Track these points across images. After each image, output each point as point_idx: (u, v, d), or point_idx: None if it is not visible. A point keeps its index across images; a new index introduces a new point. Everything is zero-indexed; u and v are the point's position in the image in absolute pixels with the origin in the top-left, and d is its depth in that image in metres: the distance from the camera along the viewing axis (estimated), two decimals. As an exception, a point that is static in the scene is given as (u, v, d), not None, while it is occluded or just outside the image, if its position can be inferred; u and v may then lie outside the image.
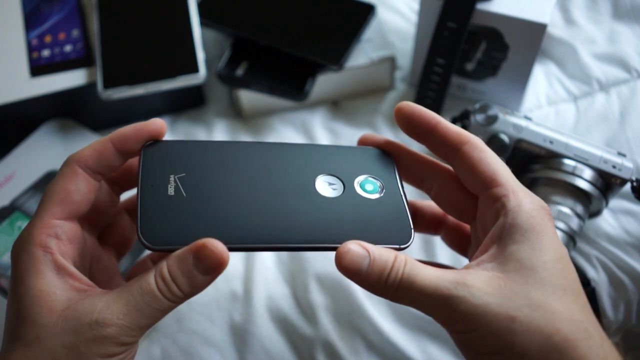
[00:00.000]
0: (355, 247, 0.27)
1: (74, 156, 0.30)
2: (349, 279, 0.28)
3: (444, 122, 0.31)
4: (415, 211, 0.37)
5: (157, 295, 0.27)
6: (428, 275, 0.27)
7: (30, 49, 0.54)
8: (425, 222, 0.37)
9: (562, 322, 0.25)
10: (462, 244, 0.36)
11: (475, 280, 0.27)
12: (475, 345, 0.27)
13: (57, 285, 0.27)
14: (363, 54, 0.55)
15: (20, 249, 0.28)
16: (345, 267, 0.27)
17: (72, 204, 0.29)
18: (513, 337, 0.25)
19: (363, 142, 0.34)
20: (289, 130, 0.57)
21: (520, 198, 0.29)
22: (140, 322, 0.27)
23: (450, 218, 0.36)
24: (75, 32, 0.55)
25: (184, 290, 0.27)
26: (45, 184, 0.50)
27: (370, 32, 0.57)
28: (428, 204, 0.37)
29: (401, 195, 0.32)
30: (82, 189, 0.29)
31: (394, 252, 0.28)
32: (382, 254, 0.28)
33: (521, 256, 0.27)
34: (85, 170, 0.30)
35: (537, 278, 0.26)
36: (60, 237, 0.28)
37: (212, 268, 0.27)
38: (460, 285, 0.26)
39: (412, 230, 0.31)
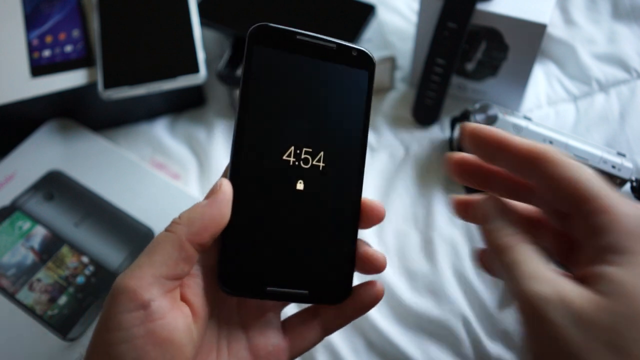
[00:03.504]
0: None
1: None
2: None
3: (512, 138, 0.28)
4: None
5: (164, 231, 0.28)
6: (530, 276, 0.25)
7: (31, 49, 0.54)
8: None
9: None
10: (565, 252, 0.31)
11: (572, 301, 0.23)
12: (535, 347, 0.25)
13: None
14: (363, 54, 0.56)
15: None
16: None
17: None
18: None
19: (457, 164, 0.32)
20: (289, 130, 0.57)
21: (618, 213, 0.24)
22: (152, 268, 0.27)
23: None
24: (76, 32, 0.55)
25: (181, 214, 0.28)
26: (45, 183, 0.50)
27: (370, 32, 0.57)
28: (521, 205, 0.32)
29: None
30: None
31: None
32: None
33: (616, 280, 0.23)
34: None
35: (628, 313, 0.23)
36: None
37: (211, 192, 0.29)
38: (556, 305, 0.23)
39: None
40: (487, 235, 0.28)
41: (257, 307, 0.32)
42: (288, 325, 0.33)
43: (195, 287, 0.29)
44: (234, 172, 0.29)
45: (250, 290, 0.30)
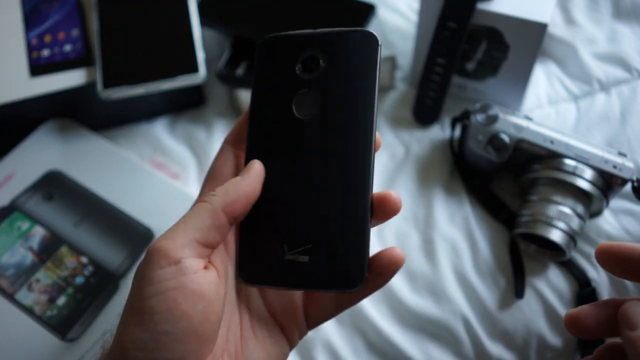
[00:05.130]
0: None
1: (226, 138, 0.35)
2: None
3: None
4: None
5: (199, 202, 0.29)
6: None
7: (30, 48, 0.54)
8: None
9: None
10: None
11: None
12: None
13: None
14: (363, 54, 0.55)
15: None
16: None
17: (221, 176, 0.34)
18: None
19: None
20: (289, 130, 0.57)
21: None
22: (186, 232, 0.28)
23: None
24: (75, 32, 0.55)
25: (217, 191, 0.30)
26: (45, 183, 0.50)
27: (370, 32, 0.57)
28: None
29: None
30: (229, 162, 0.34)
31: None
32: None
33: None
34: (233, 147, 0.35)
35: None
36: None
37: (244, 170, 0.31)
38: None
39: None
40: (634, 343, 0.26)
41: None
42: (305, 294, 0.34)
43: (216, 253, 0.31)
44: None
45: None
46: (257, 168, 0.31)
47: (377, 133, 0.31)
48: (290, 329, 0.33)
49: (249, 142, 0.32)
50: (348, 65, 0.32)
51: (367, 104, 0.31)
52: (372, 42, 0.31)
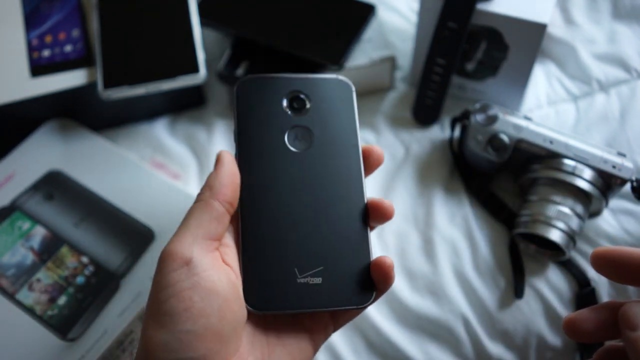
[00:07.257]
0: None
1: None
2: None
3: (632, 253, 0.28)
4: None
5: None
6: None
7: (31, 48, 0.54)
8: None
9: None
10: None
11: None
12: None
13: None
14: (363, 54, 0.55)
15: None
16: None
17: None
18: None
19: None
20: (289, 130, 0.57)
21: None
22: (189, 231, 0.30)
23: None
24: (76, 32, 0.55)
25: (202, 190, 0.32)
26: (45, 183, 0.50)
27: (370, 32, 0.57)
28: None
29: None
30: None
31: None
32: None
33: None
34: None
35: None
36: None
37: (215, 162, 0.33)
38: None
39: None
40: (636, 344, 0.26)
41: None
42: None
43: (230, 254, 0.31)
44: None
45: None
46: (225, 156, 0.33)
47: (379, 151, 0.36)
48: (317, 332, 0.33)
49: (245, 174, 0.34)
50: (331, 106, 0.36)
51: (353, 138, 0.36)
52: (348, 88, 0.37)
